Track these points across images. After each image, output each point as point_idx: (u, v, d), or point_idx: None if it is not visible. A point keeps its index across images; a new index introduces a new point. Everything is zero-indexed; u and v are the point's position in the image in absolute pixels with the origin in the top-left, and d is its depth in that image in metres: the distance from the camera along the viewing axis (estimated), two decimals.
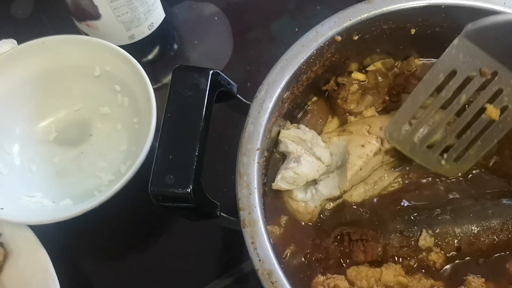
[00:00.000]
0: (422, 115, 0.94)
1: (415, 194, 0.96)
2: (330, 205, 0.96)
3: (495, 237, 0.89)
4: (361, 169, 0.95)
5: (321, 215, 0.96)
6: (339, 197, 0.96)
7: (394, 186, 0.98)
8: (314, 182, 0.96)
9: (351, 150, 0.95)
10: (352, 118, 1.05)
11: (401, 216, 0.92)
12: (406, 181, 0.98)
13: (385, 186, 0.97)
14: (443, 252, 0.89)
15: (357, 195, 0.96)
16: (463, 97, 0.91)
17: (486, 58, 0.89)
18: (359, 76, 1.07)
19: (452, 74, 0.91)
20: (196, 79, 0.85)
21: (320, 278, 0.89)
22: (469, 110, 0.92)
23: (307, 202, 0.95)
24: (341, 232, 0.91)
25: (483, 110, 0.91)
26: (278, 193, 0.97)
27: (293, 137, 0.97)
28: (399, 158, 0.99)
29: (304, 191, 0.96)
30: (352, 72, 1.08)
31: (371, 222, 0.93)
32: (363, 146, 0.95)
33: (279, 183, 0.94)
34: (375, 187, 0.97)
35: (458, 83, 0.91)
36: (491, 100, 0.91)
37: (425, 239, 0.89)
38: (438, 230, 0.90)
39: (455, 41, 0.90)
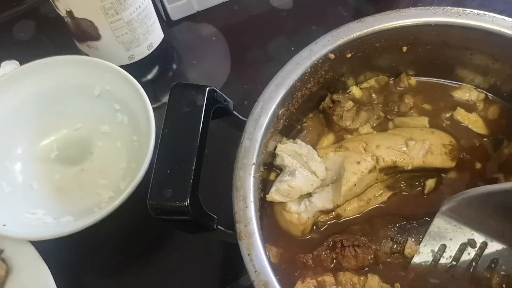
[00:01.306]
0: None
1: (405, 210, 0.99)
2: (324, 218, 0.98)
3: None
4: (355, 185, 0.96)
5: (315, 227, 0.98)
6: (332, 210, 0.97)
7: (387, 203, 1.01)
8: (309, 195, 0.97)
9: (347, 166, 0.96)
10: (348, 136, 1.07)
11: (392, 223, 0.95)
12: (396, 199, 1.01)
13: (378, 202, 1.01)
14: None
15: (350, 210, 0.98)
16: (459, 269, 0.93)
17: (470, 230, 0.94)
18: (356, 91, 1.09)
19: (443, 247, 0.94)
20: (193, 96, 0.87)
21: (311, 280, 0.91)
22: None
23: (300, 214, 0.96)
24: (333, 240, 0.93)
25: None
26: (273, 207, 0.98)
27: (289, 151, 0.99)
28: (393, 177, 1.01)
29: (298, 203, 0.97)
30: (347, 89, 1.10)
31: (363, 230, 0.95)
32: (358, 163, 0.96)
33: (273, 195, 0.95)
34: (368, 204, 1.00)
35: (451, 255, 0.94)
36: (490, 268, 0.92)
37: (411, 248, 0.92)
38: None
39: (436, 219, 0.94)
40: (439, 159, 1.00)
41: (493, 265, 0.92)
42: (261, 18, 1.42)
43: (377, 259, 0.93)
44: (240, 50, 1.36)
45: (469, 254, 0.93)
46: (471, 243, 0.93)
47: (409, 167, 0.99)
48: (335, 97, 1.07)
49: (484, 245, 0.93)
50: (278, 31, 1.38)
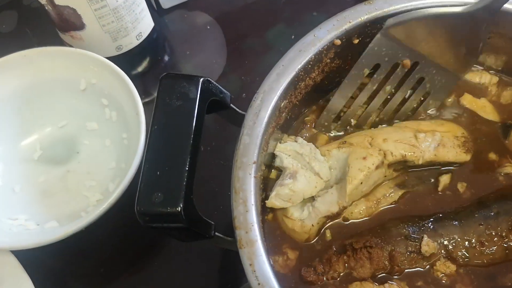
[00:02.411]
0: (352, 106, 0.99)
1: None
2: (329, 223, 0.92)
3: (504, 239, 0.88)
4: (361, 183, 0.90)
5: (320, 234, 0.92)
6: (338, 214, 0.91)
7: (398, 203, 0.95)
8: (312, 198, 0.92)
9: (352, 163, 0.91)
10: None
11: (404, 221, 0.89)
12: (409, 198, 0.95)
13: (389, 203, 0.94)
14: (449, 260, 0.87)
15: (358, 212, 0.92)
16: (387, 88, 0.98)
17: (407, 50, 0.96)
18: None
19: (377, 67, 0.96)
20: (185, 88, 0.80)
21: None
22: (395, 98, 0.99)
23: (303, 221, 0.90)
24: (342, 243, 0.89)
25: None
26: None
27: (290, 151, 0.94)
28: (403, 174, 0.96)
29: (301, 209, 0.91)
30: None
31: (374, 231, 0.89)
32: (364, 158, 0.91)
33: (273, 200, 0.89)
34: (378, 205, 0.93)
35: (383, 75, 0.97)
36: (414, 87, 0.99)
37: (428, 245, 0.86)
38: (441, 234, 0.88)
39: (377, 36, 0.94)
40: (452, 152, 0.95)
41: (417, 84, 0.99)
42: (258, 5, 1.38)
43: (393, 260, 0.86)
44: (236, 40, 1.33)
45: (400, 74, 0.98)
46: (405, 63, 0.97)
47: (420, 161, 0.93)
48: None
49: (415, 65, 0.97)
50: (276, 18, 1.35)
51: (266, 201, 0.90)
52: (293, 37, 1.23)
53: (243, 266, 0.76)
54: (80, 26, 1.09)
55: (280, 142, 0.95)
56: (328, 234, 0.91)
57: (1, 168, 1.10)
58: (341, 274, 0.87)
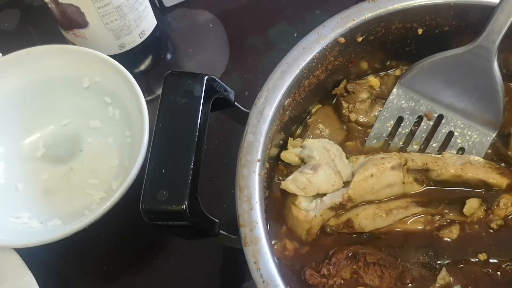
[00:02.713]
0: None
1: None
2: (334, 222, 0.90)
3: None
4: (372, 175, 0.88)
5: (323, 230, 0.91)
6: (343, 205, 0.89)
7: (415, 223, 0.91)
8: (324, 194, 0.90)
9: (370, 160, 0.91)
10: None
11: (426, 246, 0.87)
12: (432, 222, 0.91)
13: (404, 220, 0.91)
14: None
15: (364, 216, 0.89)
16: (415, 143, 0.98)
17: (427, 101, 0.97)
18: (373, 82, 1.03)
19: (400, 120, 0.98)
20: (190, 86, 0.80)
21: None
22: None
23: (308, 211, 0.88)
24: (355, 251, 0.86)
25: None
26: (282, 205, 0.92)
27: (318, 146, 0.93)
28: (428, 195, 0.92)
29: (310, 201, 0.90)
30: (362, 77, 1.05)
31: (390, 246, 0.88)
32: (382, 158, 0.90)
33: (289, 184, 0.89)
34: (388, 217, 0.90)
35: (408, 128, 0.98)
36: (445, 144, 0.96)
37: (444, 279, 0.85)
38: (463, 269, 0.86)
39: (394, 90, 0.98)
40: (482, 170, 0.90)
41: (449, 138, 0.96)
42: (260, 3, 1.37)
43: (402, 278, 0.85)
44: (239, 38, 1.32)
45: (425, 127, 0.97)
46: (428, 115, 0.97)
47: (443, 172, 0.89)
48: (349, 87, 1.01)
49: (440, 118, 0.97)
50: (279, 16, 1.34)
51: (282, 182, 0.90)
52: (295, 35, 1.25)
53: (248, 264, 0.76)
54: (83, 24, 1.09)
55: (308, 138, 0.96)
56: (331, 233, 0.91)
57: (4, 166, 1.10)
58: (346, 281, 0.86)
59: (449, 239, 0.87)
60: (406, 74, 0.97)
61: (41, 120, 1.14)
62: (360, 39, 0.95)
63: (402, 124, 0.97)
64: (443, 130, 0.96)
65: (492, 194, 0.90)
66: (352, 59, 0.99)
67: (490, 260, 0.86)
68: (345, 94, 1.01)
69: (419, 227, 0.90)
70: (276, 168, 0.96)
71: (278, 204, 0.93)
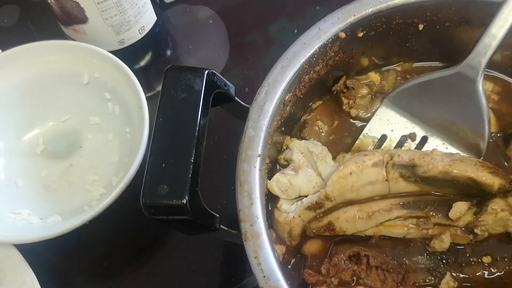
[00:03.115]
0: None
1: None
2: (315, 225, 0.89)
3: None
4: (351, 173, 0.87)
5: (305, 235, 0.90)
6: (319, 203, 0.87)
7: (397, 227, 0.87)
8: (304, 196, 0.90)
9: (352, 157, 0.90)
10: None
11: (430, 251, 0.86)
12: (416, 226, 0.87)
13: (382, 223, 0.87)
14: None
15: (345, 219, 0.87)
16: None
17: (412, 122, 0.98)
18: (373, 77, 1.03)
19: (384, 138, 0.98)
20: (190, 80, 0.79)
21: None
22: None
23: (288, 213, 0.88)
24: (358, 253, 0.86)
25: None
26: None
27: (303, 147, 0.93)
28: (414, 195, 0.89)
29: (291, 203, 0.90)
30: (363, 72, 1.05)
31: (395, 248, 0.87)
32: (365, 155, 0.89)
33: (274, 184, 0.89)
34: (370, 220, 0.87)
35: (392, 145, 0.98)
36: None
37: (448, 284, 0.84)
38: (467, 273, 0.85)
39: (379, 109, 1.00)
40: (473, 168, 0.84)
41: None
42: None
43: (405, 281, 0.84)
44: (239, 34, 1.32)
45: (409, 147, 0.97)
46: (411, 136, 0.97)
47: (430, 168, 0.84)
48: (349, 82, 1.01)
49: (424, 140, 0.97)
50: (279, 12, 1.33)
51: (268, 181, 0.89)
52: (295, 31, 1.25)
53: (248, 258, 0.76)
54: (83, 19, 1.08)
55: (296, 139, 0.97)
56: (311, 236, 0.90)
57: (4, 162, 1.10)
58: (344, 282, 0.86)
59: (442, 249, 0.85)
60: (393, 92, 0.98)
61: (41, 116, 1.14)
62: (361, 34, 0.95)
63: (385, 143, 0.97)
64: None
65: (483, 198, 0.86)
66: (352, 54, 0.99)
67: (496, 264, 0.85)
68: (344, 90, 1.01)
69: (402, 231, 0.86)
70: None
71: None
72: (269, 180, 0.89)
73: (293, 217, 0.88)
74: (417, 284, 0.84)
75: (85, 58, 1.09)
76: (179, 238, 1.06)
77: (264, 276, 0.74)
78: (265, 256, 0.75)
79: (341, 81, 1.02)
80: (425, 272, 0.85)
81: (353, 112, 1.00)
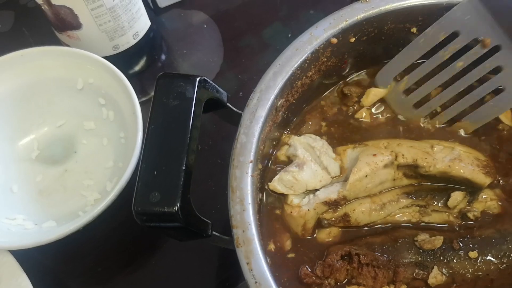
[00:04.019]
0: (415, 71, 0.96)
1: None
2: (329, 216, 0.91)
3: None
4: (366, 176, 0.89)
5: (320, 226, 0.92)
6: (337, 202, 0.90)
7: (404, 215, 0.92)
8: (315, 190, 0.91)
9: (361, 157, 0.91)
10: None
11: (417, 246, 0.88)
12: (419, 213, 0.92)
13: (394, 213, 0.92)
14: None
15: (361, 212, 0.90)
16: (459, 64, 0.93)
17: (492, 27, 0.90)
18: (379, 92, 1.02)
19: (454, 36, 0.92)
20: (182, 87, 0.80)
21: None
22: (462, 80, 0.93)
23: (301, 207, 0.90)
24: (349, 252, 0.87)
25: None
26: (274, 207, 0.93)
27: (303, 143, 0.94)
28: (414, 185, 0.94)
29: (302, 197, 0.91)
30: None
31: (384, 245, 0.88)
32: (374, 155, 0.90)
33: (276, 184, 0.90)
34: (382, 211, 0.91)
35: (458, 44, 0.92)
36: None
37: (436, 277, 0.86)
38: (453, 267, 0.87)
39: (459, 4, 0.91)
40: (469, 168, 0.91)
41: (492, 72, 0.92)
42: (255, 3, 1.37)
43: (396, 275, 0.86)
44: (233, 38, 1.32)
45: (474, 53, 0.92)
46: (485, 42, 0.91)
47: (432, 169, 0.90)
48: (345, 90, 1.02)
49: (496, 49, 0.91)
50: (273, 16, 1.34)
51: (268, 183, 0.90)
52: (289, 35, 1.24)
53: (240, 264, 0.76)
54: (77, 25, 1.08)
55: (294, 135, 0.97)
56: (332, 232, 0.91)
57: None
58: (340, 281, 0.87)
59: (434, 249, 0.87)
60: None
61: (36, 122, 1.14)
62: (352, 39, 0.95)
63: (454, 40, 0.92)
64: (493, 62, 0.91)
65: (474, 188, 0.92)
66: (345, 59, 0.99)
67: (481, 258, 0.86)
68: (342, 97, 1.02)
69: (406, 218, 0.91)
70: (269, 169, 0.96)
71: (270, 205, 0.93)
72: (270, 182, 0.90)
73: (308, 210, 0.89)
74: (406, 278, 0.86)
75: (80, 64, 1.09)
76: (173, 243, 1.04)
77: (256, 282, 0.74)
78: (257, 262, 0.75)
79: (339, 89, 1.03)
80: (414, 267, 0.86)
81: (358, 115, 1.01)
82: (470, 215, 0.90)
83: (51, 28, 1.16)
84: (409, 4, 0.93)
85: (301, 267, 0.87)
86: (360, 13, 0.93)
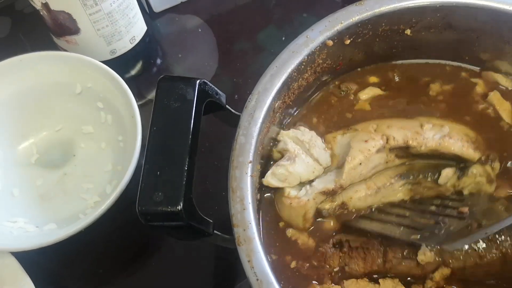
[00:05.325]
0: None
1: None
2: (329, 205, 0.92)
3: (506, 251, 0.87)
4: (360, 163, 0.91)
5: (320, 216, 0.93)
6: (334, 191, 0.91)
7: (398, 195, 0.94)
8: (310, 180, 0.92)
9: (353, 144, 0.92)
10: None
11: (405, 225, 0.89)
12: (412, 191, 0.94)
13: (389, 194, 0.93)
14: (447, 269, 0.87)
15: (357, 198, 0.92)
16: None
17: None
18: (375, 91, 1.03)
19: None
20: (183, 90, 0.81)
21: (316, 286, 0.86)
22: None
23: (300, 198, 0.90)
24: (340, 239, 0.89)
25: None
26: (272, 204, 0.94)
27: (292, 137, 0.94)
28: (406, 164, 0.96)
29: (298, 189, 0.92)
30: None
31: (373, 231, 0.90)
32: (366, 141, 0.91)
33: (269, 178, 0.90)
34: (378, 194, 0.93)
35: None
36: None
37: (425, 254, 0.87)
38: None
39: None
40: (459, 145, 0.93)
41: None
42: (248, 7, 1.38)
43: (386, 263, 0.88)
44: (228, 42, 1.32)
45: None
46: None
47: (422, 148, 0.92)
48: (343, 87, 1.03)
49: None
50: (267, 20, 1.34)
51: (262, 179, 0.91)
52: (283, 38, 1.25)
53: (241, 263, 0.77)
54: (75, 30, 1.09)
55: (283, 130, 0.97)
56: (331, 223, 0.92)
57: (0, 172, 1.10)
58: (335, 269, 0.88)
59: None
60: None
61: (35, 126, 1.14)
62: (348, 41, 0.96)
63: None
64: None
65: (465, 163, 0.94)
66: (340, 61, 1.00)
67: None
68: (341, 93, 1.03)
69: (401, 197, 0.93)
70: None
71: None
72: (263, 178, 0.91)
73: (308, 200, 0.90)
74: (396, 258, 0.87)
75: (78, 69, 1.10)
76: (172, 243, 1.07)
77: (257, 280, 0.75)
78: (258, 260, 0.76)
79: (337, 84, 1.04)
80: (403, 246, 0.88)
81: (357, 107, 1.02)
82: (465, 191, 0.93)
83: (48, 34, 1.17)
84: (402, 6, 0.94)
85: (297, 261, 0.89)
86: (355, 15, 0.94)
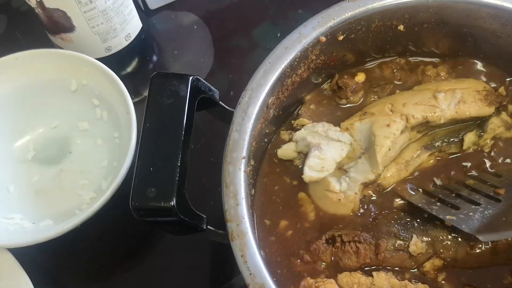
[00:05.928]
0: None
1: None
2: (366, 192, 0.94)
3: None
4: (389, 149, 0.93)
5: (365, 204, 0.94)
6: (375, 180, 0.94)
7: (428, 164, 0.98)
8: (344, 171, 0.94)
9: (376, 131, 0.93)
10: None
11: (395, 219, 0.90)
12: (438, 158, 0.98)
13: (418, 165, 0.97)
14: (439, 260, 0.88)
15: (390, 176, 0.95)
16: None
17: None
18: (360, 77, 1.04)
19: None
20: (176, 86, 0.81)
21: (309, 280, 0.86)
22: None
23: (345, 192, 0.92)
24: (332, 234, 0.89)
25: None
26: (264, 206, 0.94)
27: (307, 133, 0.96)
28: (429, 136, 0.99)
29: (339, 182, 0.93)
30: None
31: (365, 225, 0.91)
32: (388, 125, 0.93)
33: (308, 173, 0.92)
34: (408, 168, 0.96)
35: None
36: None
37: (416, 245, 0.87)
38: (430, 234, 0.89)
39: None
40: (474, 107, 0.97)
41: None
42: (244, 3, 1.38)
43: (378, 248, 0.88)
44: (223, 39, 1.33)
45: None
46: None
47: (442, 121, 0.96)
48: (340, 83, 1.03)
49: None
50: (262, 16, 1.35)
51: (302, 176, 0.92)
52: (279, 34, 1.26)
53: (235, 257, 0.77)
54: (70, 28, 1.09)
55: (294, 132, 0.98)
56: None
57: None
58: (328, 264, 0.88)
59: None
60: None
61: (31, 123, 1.15)
62: (341, 37, 0.96)
63: None
64: None
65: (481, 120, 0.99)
66: (333, 57, 1.00)
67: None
68: (336, 89, 1.03)
69: (432, 163, 0.98)
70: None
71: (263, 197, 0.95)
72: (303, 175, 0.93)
73: (355, 193, 0.92)
74: (388, 250, 0.88)
75: (73, 66, 1.10)
76: (168, 239, 1.07)
77: (250, 274, 0.75)
78: (251, 254, 0.77)
79: (334, 81, 1.04)
80: (394, 238, 0.88)
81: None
82: (485, 148, 0.98)
83: (44, 31, 1.17)
84: (395, 2, 0.94)
85: (290, 258, 0.89)
86: (348, 11, 0.94)
